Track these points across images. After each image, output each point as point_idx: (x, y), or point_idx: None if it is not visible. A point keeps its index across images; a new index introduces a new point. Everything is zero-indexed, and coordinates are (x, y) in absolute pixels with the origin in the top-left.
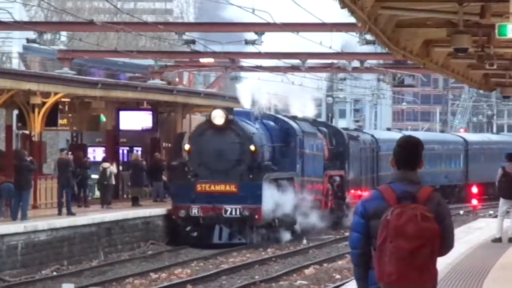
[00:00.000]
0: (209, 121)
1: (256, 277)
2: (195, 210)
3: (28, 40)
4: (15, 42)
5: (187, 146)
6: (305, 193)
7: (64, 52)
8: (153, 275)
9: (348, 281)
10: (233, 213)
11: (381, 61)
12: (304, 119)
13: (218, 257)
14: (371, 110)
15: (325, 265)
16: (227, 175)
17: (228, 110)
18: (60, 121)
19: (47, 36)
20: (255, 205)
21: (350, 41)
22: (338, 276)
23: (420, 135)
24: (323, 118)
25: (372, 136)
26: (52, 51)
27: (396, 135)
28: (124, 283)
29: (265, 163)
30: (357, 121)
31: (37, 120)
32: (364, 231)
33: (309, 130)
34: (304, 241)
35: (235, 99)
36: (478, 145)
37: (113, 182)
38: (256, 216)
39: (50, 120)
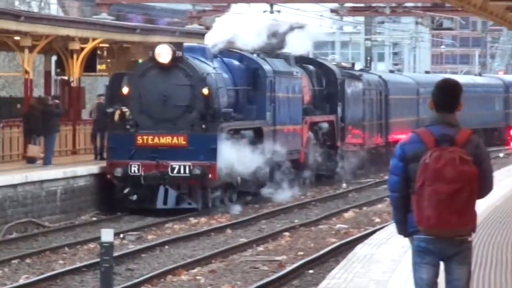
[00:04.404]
0: (152, 59)
1: (296, 221)
2: (134, 168)
3: None
4: None
5: (125, 89)
6: (277, 145)
7: None
8: (193, 220)
9: (388, 224)
10: (182, 171)
11: (419, 4)
12: (282, 56)
13: (258, 201)
14: (410, 54)
15: (364, 208)
16: (175, 124)
17: (178, 45)
18: (98, 67)
19: None
20: (208, 161)
21: None
22: (377, 220)
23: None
24: (361, 62)
25: (380, 77)
26: None
27: (405, 79)
28: (163, 228)
29: (223, 110)
30: (395, 64)
31: (75, 66)
32: (403, 174)
33: (284, 69)
34: (344, 185)
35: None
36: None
37: None
38: (210, 175)
39: (89, 65)
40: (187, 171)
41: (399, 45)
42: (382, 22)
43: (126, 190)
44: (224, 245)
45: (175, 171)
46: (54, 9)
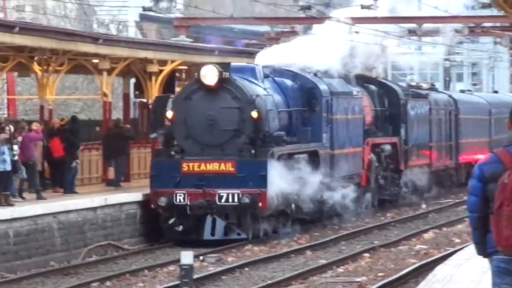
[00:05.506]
0: (198, 81)
1: (375, 242)
2: (180, 197)
3: (144, 9)
4: (132, 10)
5: (170, 113)
6: (335, 169)
7: (181, 20)
8: (273, 242)
9: (467, 245)
10: (230, 199)
11: (497, 24)
12: (342, 76)
13: (337, 223)
14: (488, 73)
15: (444, 229)
16: (222, 150)
17: (225, 66)
18: (177, 89)
19: (163, 4)
20: (259, 189)
21: (466, 4)
22: (457, 240)
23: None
24: (440, 82)
25: (450, 96)
26: (168, 19)
27: (477, 99)
28: (243, 250)
29: (274, 134)
30: (474, 85)
31: (154, 88)
32: (481, 194)
33: (342, 89)
34: (423, 206)
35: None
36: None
37: None
38: (260, 204)
39: (167, 87)
40: (235, 199)
41: (477, 65)
42: (461, 42)
43: (172, 221)
44: (304, 266)
45: (223, 200)
46: (132, 32)
